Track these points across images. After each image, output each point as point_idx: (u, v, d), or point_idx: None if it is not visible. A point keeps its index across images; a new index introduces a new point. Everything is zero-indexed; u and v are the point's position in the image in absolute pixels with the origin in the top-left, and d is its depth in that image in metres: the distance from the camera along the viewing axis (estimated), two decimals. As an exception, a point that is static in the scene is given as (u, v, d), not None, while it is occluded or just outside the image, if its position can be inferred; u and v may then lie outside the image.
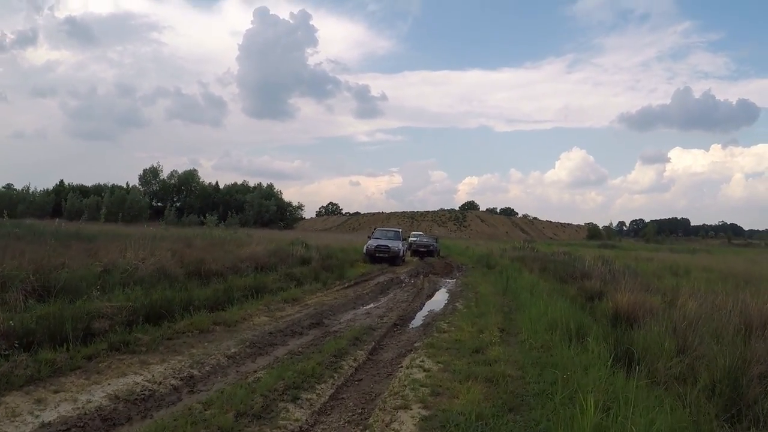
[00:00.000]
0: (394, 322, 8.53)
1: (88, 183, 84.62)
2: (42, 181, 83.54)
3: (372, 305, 10.61)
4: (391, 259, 21.38)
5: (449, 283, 16.09)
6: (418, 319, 9.12)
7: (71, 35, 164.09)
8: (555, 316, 7.23)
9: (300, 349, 6.48)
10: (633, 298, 8.00)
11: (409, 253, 34.62)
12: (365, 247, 22.04)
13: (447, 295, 12.84)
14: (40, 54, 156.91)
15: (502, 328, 7.70)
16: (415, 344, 6.85)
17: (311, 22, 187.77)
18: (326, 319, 8.66)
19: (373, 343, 6.82)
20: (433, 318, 9.07)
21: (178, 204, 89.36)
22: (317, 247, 22.18)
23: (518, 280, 13.19)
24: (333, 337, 7.14)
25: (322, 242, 27.13)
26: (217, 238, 19.48)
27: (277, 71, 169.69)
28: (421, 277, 17.24)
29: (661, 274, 16.93)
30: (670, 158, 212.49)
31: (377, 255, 21.25)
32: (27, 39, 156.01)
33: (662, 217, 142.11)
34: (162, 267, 10.51)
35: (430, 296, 12.60)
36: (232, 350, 6.25)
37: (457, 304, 10.80)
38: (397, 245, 22.11)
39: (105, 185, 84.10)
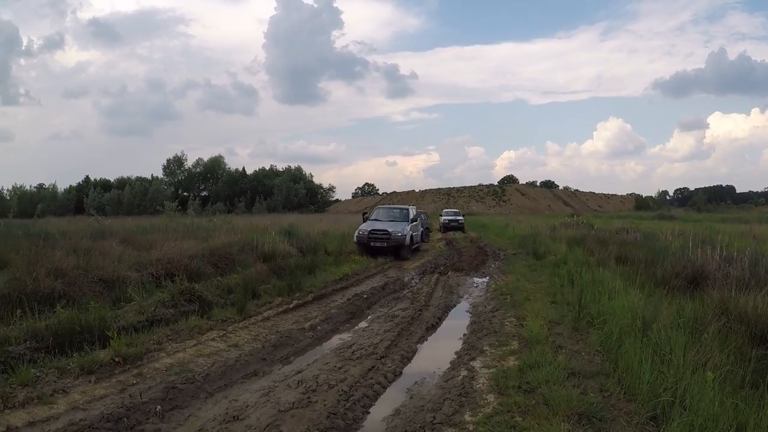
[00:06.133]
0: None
1: (118, 178, 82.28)
2: (76, 180, 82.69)
3: (291, 368, 5.04)
4: (394, 249, 15.10)
5: (477, 287, 10.30)
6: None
7: (97, 36, 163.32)
8: None
9: None
10: None
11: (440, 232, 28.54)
12: (356, 234, 15.70)
13: (466, 324, 7.09)
14: (70, 56, 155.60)
15: None
16: None
17: (335, 5, 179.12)
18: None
19: None
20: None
21: (204, 192, 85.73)
22: (306, 235, 16.77)
23: (595, 289, 7.23)
24: None
25: (326, 227, 21.77)
26: (169, 231, 14.55)
27: (304, 56, 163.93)
28: (436, 276, 11.49)
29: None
30: (709, 124, 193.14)
31: (372, 244, 14.99)
32: (55, 43, 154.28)
33: (704, 185, 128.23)
34: None
35: (433, 328, 6.89)
36: None
37: (475, 363, 5.02)
38: (402, 229, 15.55)
39: (128, 178, 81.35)
